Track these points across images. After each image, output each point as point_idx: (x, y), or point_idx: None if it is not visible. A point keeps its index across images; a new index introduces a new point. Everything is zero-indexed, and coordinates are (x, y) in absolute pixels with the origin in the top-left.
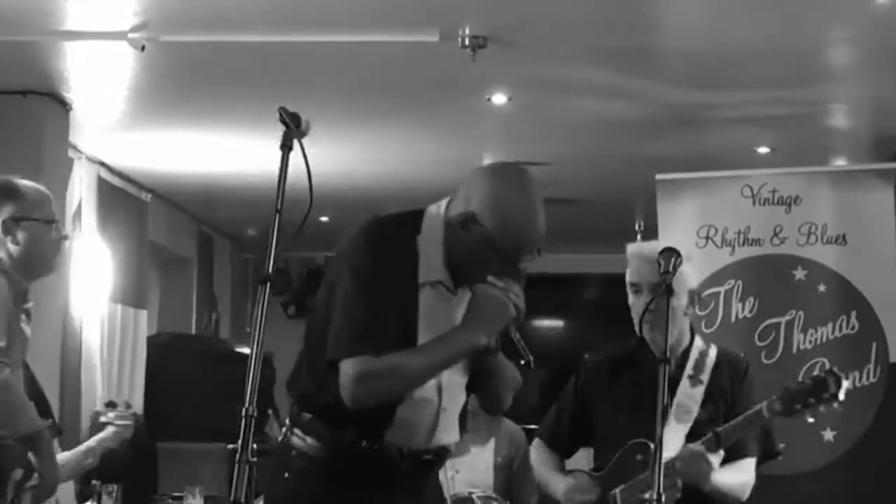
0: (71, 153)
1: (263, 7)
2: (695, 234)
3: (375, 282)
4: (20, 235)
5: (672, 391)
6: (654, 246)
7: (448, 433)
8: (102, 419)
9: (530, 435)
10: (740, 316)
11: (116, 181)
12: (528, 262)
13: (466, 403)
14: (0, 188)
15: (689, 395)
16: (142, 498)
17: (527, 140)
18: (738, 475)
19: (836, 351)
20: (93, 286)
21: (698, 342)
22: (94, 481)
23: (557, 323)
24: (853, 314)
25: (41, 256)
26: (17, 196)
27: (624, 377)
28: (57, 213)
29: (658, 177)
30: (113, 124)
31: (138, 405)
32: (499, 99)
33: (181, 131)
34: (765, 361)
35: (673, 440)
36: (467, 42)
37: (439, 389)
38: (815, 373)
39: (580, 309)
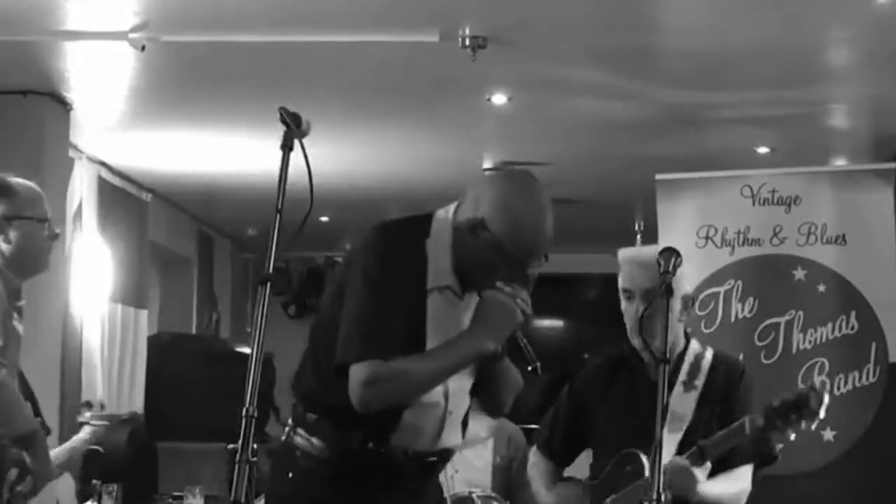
0: (71, 153)
1: (263, 7)
2: (694, 234)
3: (385, 286)
4: (12, 234)
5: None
6: (647, 251)
7: (452, 436)
8: (79, 419)
9: (530, 435)
10: (740, 316)
11: (117, 181)
12: (535, 268)
13: (469, 406)
14: None
15: (683, 402)
16: (142, 498)
17: (527, 140)
18: (733, 484)
19: (835, 351)
20: (93, 286)
21: (694, 346)
22: (94, 481)
23: (557, 323)
24: (853, 314)
25: (34, 255)
26: (9, 194)
27: (619, 382)
28: (50, 210)
29: (658, 177)
30: (113, 124)
31: (138, 405)
32: (499, 99)
33: (181, 131)
34: (764, 361)
35: (665, 448)
36: (467, 42)
37: (446, 394)
38: (812, 378)
39: (580, 309)
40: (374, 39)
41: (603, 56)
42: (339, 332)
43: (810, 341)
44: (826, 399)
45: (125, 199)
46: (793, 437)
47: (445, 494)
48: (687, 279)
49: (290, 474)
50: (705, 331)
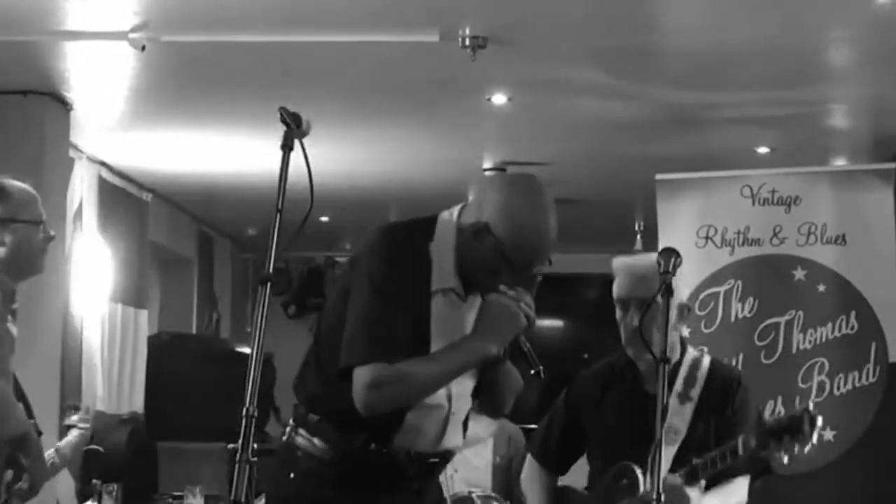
0: (72, 153)
1: (263, 7)
2: (694, 234)
3: (389, 289)
4: (7, 237)
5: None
6: (642, 260)
7: (454, 437)
8: (66, 422)
9: (530, 435)
10: (740, 316)
11: (117, 181)
12: (539, 272)
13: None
14: None
15: (678, 414)
16: (142, 497)
17: (527, 140)
18: (729, 498)
19: (835, 351)
20: (93, 286)
21: (690, 354)
22: (94, 481)
23: (557, 323)
24: (853, 314)
25: (29, 258)
26: (4, 197)
27: (613, 393)
28: (45, 213)
29: (658, 177)
30: (113, 124)
31: (138, 405)
32: (499, 99)
33: (181, 131)
34: (764, 361)
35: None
36: (467, 42)
37: (449, 397)
38: (812, 378)
39: (580, 309)
40: (374, 39)
41: (603, 56)
42: (343, 334)
43: (810, 341)
44: (819, 422)
45: (125, 199)
46: (786, 460)
47: (445, 494)
48: (684, 287)
49: (292, 474)
50: (705, 331)
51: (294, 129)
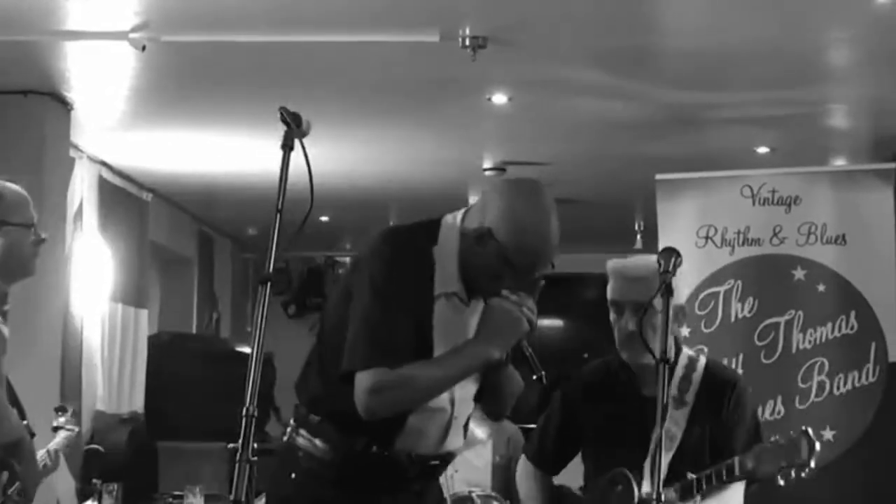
0: (72, 153)
1: (263, 7)
2: (694, 234)
3: (392, 294)
4: None
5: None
6: (637, 263)
7: (455, 440)
8: (54, 423)
9: (529, 435)
10: (740, 316)
11: (117, 181)
12: (541, 276)
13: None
14: None
15: (673, 419)
16: (142, 497)
17: (527, 140)
18: None
19: (835, 351)
20: (93, 286)
21: (685, 355)
22: (94, 480)
23: (557, 323)
24: (852, 314)
25: (20, 260)
26: None
27: (608, 395)
28: (36, 215)
29: (658, 177)
30: (114, 124)
31: (138, 405)
32: (499, 99)
33: (182, 131)
34: (764, 361)
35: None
36: (467, 42)
37: (452, 401)
38: (812, 378)
39: (580, 309)
40: (374, 39)
41: (603, 56)
42: (345, 337)
43: (810, 341)
44: (818, 447)
45: (125, 199)
46: (782, 482)
47: (445, 494)
48: (684, 287)
49: (293, 475)
50: (705, 331)
51: (294, 128)
